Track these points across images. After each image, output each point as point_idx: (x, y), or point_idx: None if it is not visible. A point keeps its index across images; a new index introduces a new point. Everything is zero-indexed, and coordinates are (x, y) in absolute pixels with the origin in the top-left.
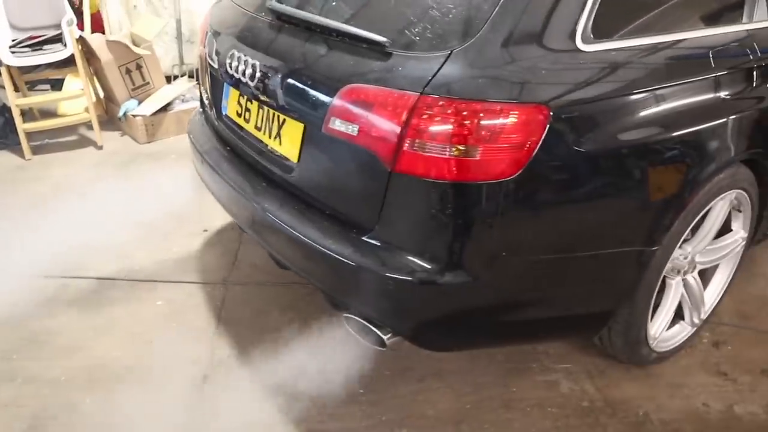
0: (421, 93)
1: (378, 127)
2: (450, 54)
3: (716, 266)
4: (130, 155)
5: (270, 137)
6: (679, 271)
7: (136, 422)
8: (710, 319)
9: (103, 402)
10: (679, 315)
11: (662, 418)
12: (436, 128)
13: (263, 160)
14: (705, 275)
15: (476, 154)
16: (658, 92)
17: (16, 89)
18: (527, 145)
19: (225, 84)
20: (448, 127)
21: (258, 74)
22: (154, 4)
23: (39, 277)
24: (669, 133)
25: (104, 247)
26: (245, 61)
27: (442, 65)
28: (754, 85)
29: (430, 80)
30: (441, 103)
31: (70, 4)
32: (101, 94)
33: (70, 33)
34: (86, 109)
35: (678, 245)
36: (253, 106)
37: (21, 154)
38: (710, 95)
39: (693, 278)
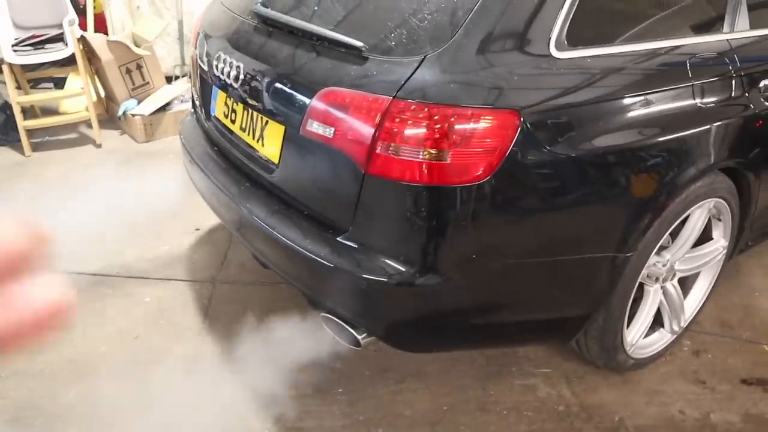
0: (394, 97)
1: (352, 129)
2: (423, 59)
3: (697, 274)
4: (128, 154)
5: (254, 138)
6: (657, 278)
7: (119, 415)
8: (691, 327)
9: (87, 395)
10: (658, 322)
11: (637, 424)
12: (408, 132)
13: (247, 161)
14: (686, 283)
15: (447, 157)
16: (632, 99)
17: (19, 87)
18: (499, 150)
19: (213, 86)
20: (419, 131)
21: (243, 77)
22: (157, 5)
23: None
24: (644, 141)
25: (96, 243)
26: (231, 64)
27: (416, 70)
28: (733, 94)
29: (403, 84)
30: (413, 107)
31: (74, 4)
32: (102, 93)
33: (72, 32)
34: (86, 108)
35: (654, 252)
36: (239, 107)
37: (21, 150)
38: (686, 103)
39: (672, 286)
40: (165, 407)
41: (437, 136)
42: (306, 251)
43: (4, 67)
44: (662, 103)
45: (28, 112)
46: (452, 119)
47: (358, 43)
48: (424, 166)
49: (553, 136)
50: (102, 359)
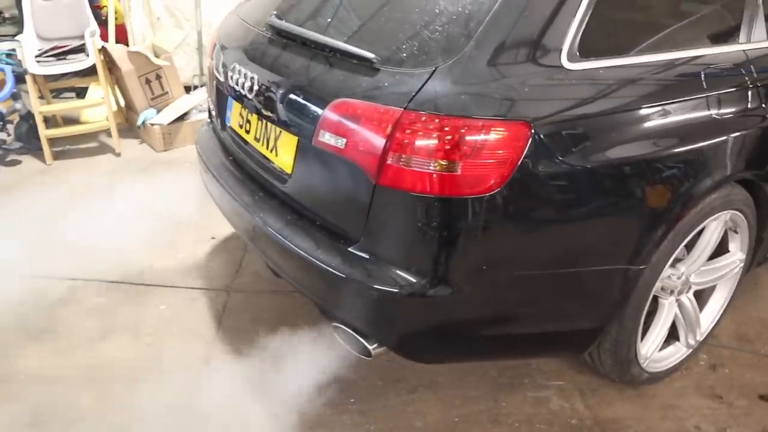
0: (405, 108)
1: (364, 140)
2: (434, 70)
3: (714, 287)
4: (147, 163)
5: (267, 149)
6: (672, 291)
7: (133, 420)
8: (708, 341)
9: (102, 400)
10: (674, 335)
11: None
12: (419, 143)
13: (261, 171)
14: (702, 296)
15: (458, 168)
16: (645, 111)
17: (41, 97)
18: (509, 161)
19: (229, 96)
20: (430, 142)
21: (257, 88)
22: (177, 17)
23: (47, 278)
24: (658, 152)
25: (113, 250)
26: (246, 75)
27: (426, 81)
28: (749, 105)
29: (414, 96)
30: (424, 118)
31: (96, 14)
32: (122, 103)
33: (93, 43)
34: (106, 117)
35: (668, 264)
36: (253, 118)
37: (42, 159)
38: (701, 114)
39: (688, 299)
40: (178, 414)
41: (448, 147)
42: (318, 261)
43: (28, 78)
44: (677, 114)
45: (50, 121)
46: (463, 130)
47: (370, 55)
48: (434, 177)
49: (565, 147)
50: (117, 365)
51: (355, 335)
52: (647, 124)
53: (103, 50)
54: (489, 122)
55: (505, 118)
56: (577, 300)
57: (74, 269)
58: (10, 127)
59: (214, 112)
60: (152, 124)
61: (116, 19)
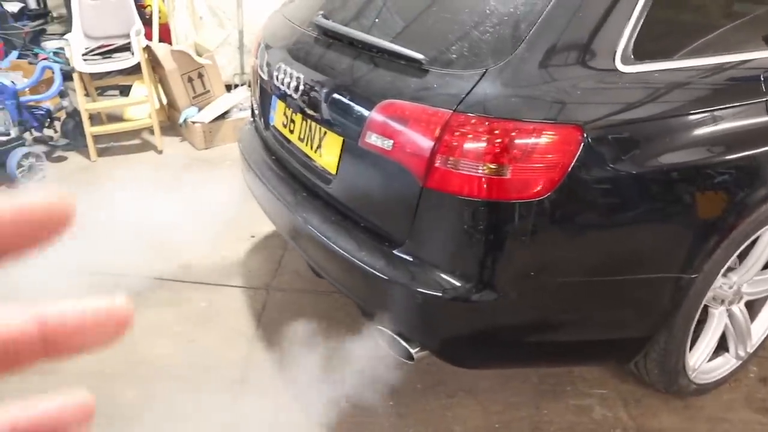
0: (454, 110)
1: (411, 142)
2: (485, 72)
3: (766, 298)
4: (188, 160)
5: (312, 149)
6: (722, 301)
7: (173, 417)
8: (759, 353)
9: (144, 396)
10: (723, 346)
11: None
12: (468, 146)
13: (305, 171)
14: (753, 306)
15: (508, 172)
16: (701, 116)
17: (87, 94)
18: (560, 166)
19: (273, 96)
20: (480, 145)
21: (302, 87)
22: (219, 16)
23: (91, 274)
24: (713, 159)
25: (156, 247)
26: (291, 74)
27: (477, 83)
28: None
29: (464, 98)
30: (473, 121)
31: (141, 14)
32: (164, 101)
33: (138, 42)
34: (149, 115)
35: (721, 274)
36: (298, 118)
37: (87, 155)
38: (759, 120)
39: (739, 309)
40: (218, 413)
41: (498, 150)
42: (361, 263)
43: (75, 76)
44: (733, 119)
45: (95, 118)
46: (513, 134)
47: (419, 56)
48: (483, 180)
49: (617, 152)
50: (159, 362)
51: (398, 339)
52: (703, 130)
53: (148, 49)
54: (540, 125)
55: (556, 122)
56: (627, 308)
57: (117, 265)
58: (57, 125)
59: (257, 111)
60: (193, 122)
61: (160, 18)
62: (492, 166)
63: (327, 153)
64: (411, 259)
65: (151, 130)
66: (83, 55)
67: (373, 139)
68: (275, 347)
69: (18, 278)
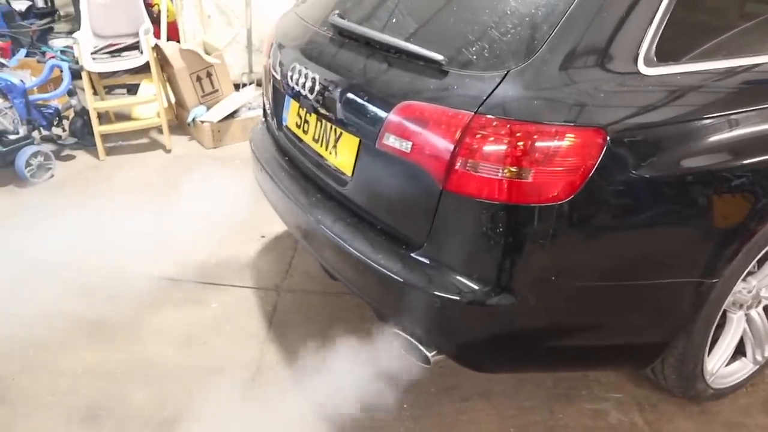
0: (475, 113)
1: (431, 144)
2: (506, 74)
3: None
4: (196, 159)
5: (326, 150)
6: (741, 305)
7: (184, 418)
8: None
9: (155, 397)
10: (740, 351)
11: None
12: (488, 148)
13: (319, 172)
14: None
15: (529, 176)
16: (724, 119)
17: (95, 93)
18: (582, 169)
19: (286, 95)
20: (501, 148)
21: (317, 87)
22: (227, 15)
23: (101, 274)
24: (735, 162)
25: (165, 247)
26: (306, 74)
27: (498, 85)
28: None
29: (485, 100)
30: (495, 123)
31: (149, 13)
32: (173, 100)
33: (147, 41)
34: (158, 114)
35: (741, 278)
36: (312, 118)
37: (96, 154)
38: None
39: (757, 313)
40: (230, 415)
41: (519, 153)
42: (378, 265)
43: (83, 74)
44: (760, 123)
45: (103, 117)
46: (535, 136)
47: (438, 56)
48: (504, 183)
49: (640, 156)
50: (170, 362)
51: (415, 342)
52: (726, 133)
53: (156, 48)
54: (562, 128)
55: (578, 125)
56: (646, 313)
57: (126, 266)
58: (65, 123)
59: (269, 111)
60: (202, 122)
61: (168, 16)
62: (513, 169)
63: (342, 154)
64: (428, 262)
65: (159, 129)
66: (92, 53)
67: (391, 141)
68: (287, 349)
69: (29, 276)
